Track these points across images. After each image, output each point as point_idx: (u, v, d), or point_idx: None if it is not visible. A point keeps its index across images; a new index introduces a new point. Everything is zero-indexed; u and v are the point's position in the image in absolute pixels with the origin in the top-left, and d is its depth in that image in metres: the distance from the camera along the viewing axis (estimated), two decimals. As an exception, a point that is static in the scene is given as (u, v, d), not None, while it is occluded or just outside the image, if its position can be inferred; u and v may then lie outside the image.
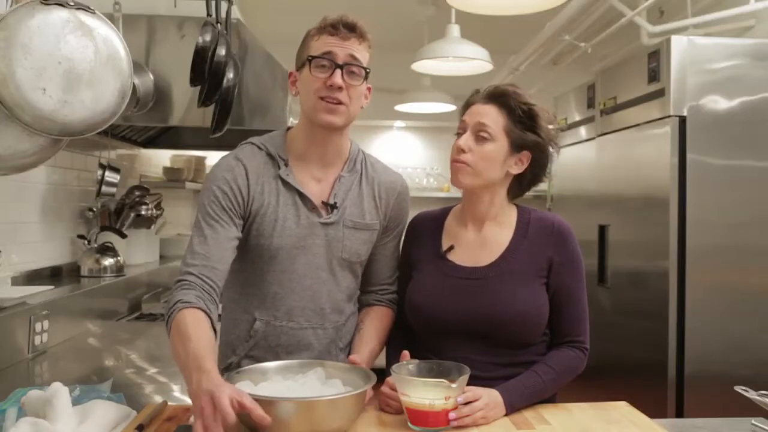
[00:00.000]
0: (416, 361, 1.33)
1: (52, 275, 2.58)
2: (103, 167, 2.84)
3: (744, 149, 2.46)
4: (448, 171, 1.49)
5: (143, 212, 3.13)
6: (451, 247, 1.49)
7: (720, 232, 2.44)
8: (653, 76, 2.55)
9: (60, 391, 1.19)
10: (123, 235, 2.95)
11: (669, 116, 2.46)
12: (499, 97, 1.44)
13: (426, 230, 1.55)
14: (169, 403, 1.38)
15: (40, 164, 1.73)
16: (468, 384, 1.28)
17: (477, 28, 3.53)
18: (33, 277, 2.39)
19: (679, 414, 2.40)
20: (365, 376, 1.26)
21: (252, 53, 2.45)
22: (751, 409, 1.39)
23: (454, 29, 3.36)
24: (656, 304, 2.51)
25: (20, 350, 1.94)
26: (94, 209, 2.89)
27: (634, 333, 2.70)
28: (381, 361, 1.53)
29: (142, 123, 2.71)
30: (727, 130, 2.46)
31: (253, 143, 1.51)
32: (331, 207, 1.46)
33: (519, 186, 1.50)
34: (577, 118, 3.37)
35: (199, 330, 1.24)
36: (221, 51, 2.14)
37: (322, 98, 1.40)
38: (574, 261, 1.46)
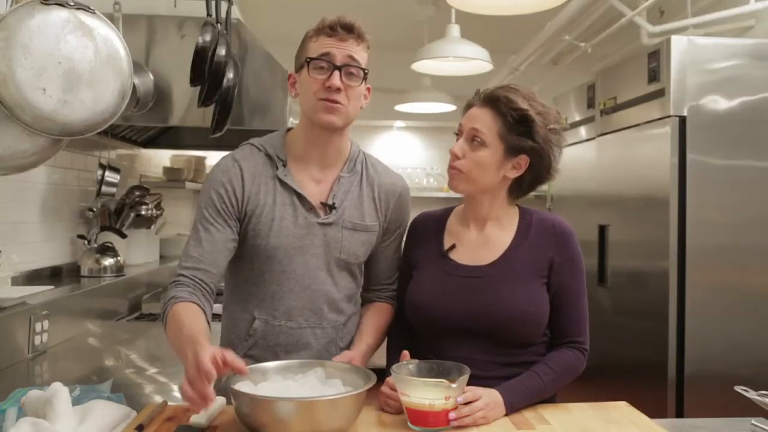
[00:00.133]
0: (416, 361, 1.33)
1: (52, 275, 2.57)
2: (103, 167, 2.84)
3: (744, 149, 2.46)
4: (447, 171, 1.49)
5: (143, 212, 3.13)
6: (453, 246, 1.49)
7: (720, 232, 2.44)
8: (653, 76, 2.56)
9: (60, 391, 1.19)
10: (123, 235, 2.95)
11: (669, 116, 2.46)
12: (493, 101, 1.42)
13: (428, 230, 1.55)
14: (169, 403, 1.38)
15: (40, 164, 1.73)
16: (468, 384, 1.28)
17: (477, 28, 3.53)
18: (33, 277, 2.39)
19: (679, 414, 2.40)
20: (365, 376, 1.26)
21: (252, 53, 2.45)
22: (751, 409, 1.39)
23: (454, 29, 3.36)
24: (656, 304, 2.51)
25: (20, 350, 1.94)
26: (94, 209, 2.89)
27: (634, 333, 2.70)
28: (381, 360, 1.53)
29: (142, 123, 2.71)
30: (727, 130, 2.46)
31: (252, 144, 1.52)
32: (329, 207, 1.46)
33: (520, 188, 1.48)
34: (577, 118, 3.37)
35: (192, 318, 1.29)
36: (221, 51, 2.14)
37: (320, 99, 1.40)
38: (575, 262, 1.46)
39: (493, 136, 1.41)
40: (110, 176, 2.87)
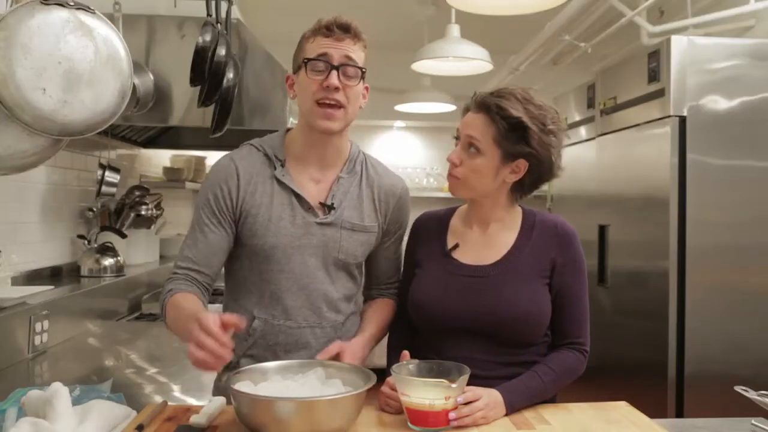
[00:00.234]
0: (416, 361, 1.33)
1: (52, 275, 2.58)
2: (103, 167, 2.84)
3: (744, 149, 2.46)
4: (447, 171, 1.49)
5: (143, 212, 3.13)
6: (456, 245, 1.49)
7: (720, 232, 2.44)
8: (653, 76, 2.56)
9: (60, 391, 1.19)
10: (123, 235, 2.95)
11: (669, 116, 2.46)
12: (486, 108, 1.40)
13: (431, 229, 1.55)
14: (169, 403, 1.38)
15: (40, 164, 1.73)
16: (468, 383, 1.28)
17: (477, 28, 3.53)
18: (33, 277, 2.39)
19: (679, 414, 2.40)
20: (365, 376, 1.26)
21: (252, 53, 2.45)
22: (751, 409, 1.39)
23: (454, 29, 3.36)
24: (656, 304, 2.51)
25: (20, 350, 1.94)
26: (94, 209, 2.89)
27: (634, 333, 2.70)
28: (381, 360, 1.53)
29: (142, 123, 2.71)
30: (727, 130, 2.46)
31: (251, 144, 1.53)
32: (328, 208, 1.47)
33: (521, 189, 1.48)
34: (577, 118, 3.37)
35: (191, 302, 1.36)
36: (221, 51, 2.14)
37: (319, 103, 1.40)
38: (577, 263, 1.46)
39: (488, 143, 1.40)
40: (110, 176, 2.88)
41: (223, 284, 1.56)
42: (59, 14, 1.57)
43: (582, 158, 3.22)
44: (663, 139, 2.49)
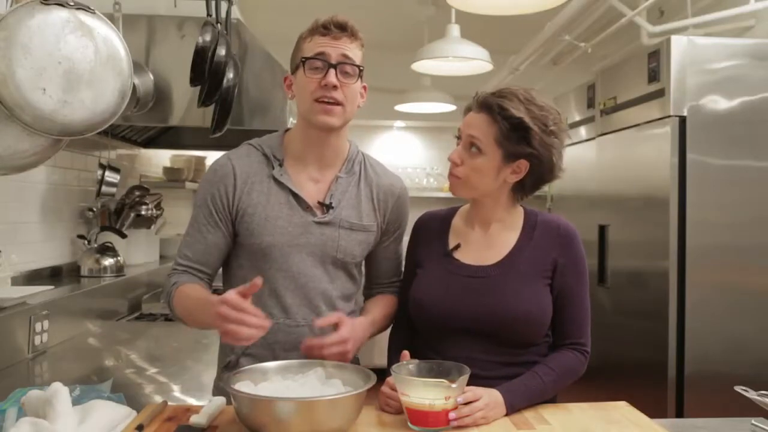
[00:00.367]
0: (416, 361, 1.33)
1: (52, 275, 2.58)
2: (103, 167, 2.84)
3: (744, 149, 2.46)
4: (447, 171, 1.49)
5: (143, 212, 3.13)
6: (457, 246, 1.49)
7: (720, 232, 2.44)
8: (653, 76, 2.56)
9: (60, 391, 1.19)
10: (123, 235, 2.95)
11: (669, 116, 2.46)
12: (488, 108, 1.40)
13: (432, 229, 1.55)
14: (169, 403, 1.38)
15: (40, 164, 1.73)
16: (469, 383, 1.28)
17: (477, 28, 3.53)
18: (33, 277, 2.39)
19: (679, 414, 2.40)
20: (365, 376, 1.26)
21: (252, 53, 2.45)
22: (751, 409, 1.39)
23: (454, 29, 3.36)
24: (656, 304, 2.51)
25: (20, 350, 1.94)
26: (94, 209, 2.89)
27: (634, 333, 2.70)
28: (381, 360, 1.53)
29: (142, 123, 2.71)
30: (727, 130, 2.46)
31: (250, 144, 1.54)
32: (326, 207, 1.47)
33: (523, 189, 1.48)
34: (577, 118, 3.37)
35: (200, 291, 1.41)
36: (221, 51, 2.14)
37: (317, 100, 1.41)
38: (578, 264, 1.46)
39: (489, 143, 1.40)
40: (110, 176, 2.88)
41: (221, 284, 1.56)
42: (59, 14, 1.57)
43: (582, 158, 3.22)
44: (663, 139, 2.49)
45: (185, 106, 2.38)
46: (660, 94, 2.51)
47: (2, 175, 1.79)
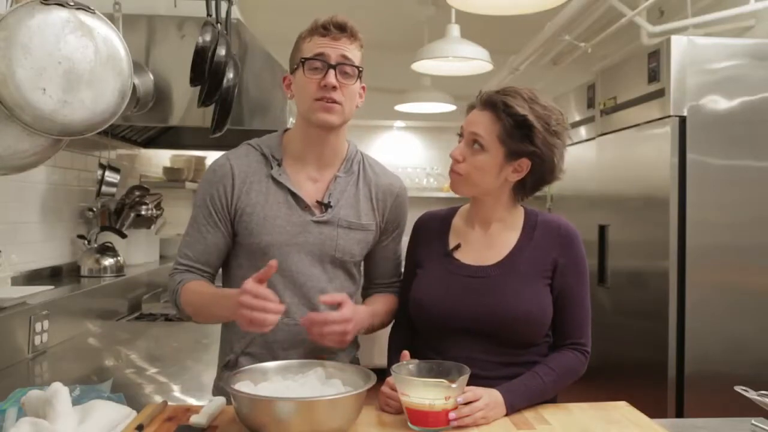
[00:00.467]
0: (416, 361, 1.33)
1: (52, 275, 2.58)
2: (103, 167, 2.84)
3: (744, 149, 2.46)
4: (447, 171, 1.49)
5: (143, 212, 3.13)
6: (458, 246, 1.49)
7: (720, 232, 2.44)
8: (653, 76, 2.56)
9: (60, 391, 1.19)
10: (123, 235, 2.95)
11: (669, 116, 2.46)
12: (493, 105, 1.40)
13: (432, 229, 1.55)
14: (169, 403, 1.38)
15: (40, 164, 1.73)
16: (469, 383, 1.28)
17: (477, 28, 3.53)
18: (33, 277, 2.39)
19: (679, 414, 2.40)
20: (365, 376, 1.26)
21: (252, 53, 2.45)
22: (751, 409, 1.39)
23: (454, 29, 3.36)
24: (656, 304, 2.51)
25: (20, 350, 1.94)
26: (94, 209, 2.89)
27: (634, 333, 2.70)
28: (381, 360, 1.53)
29: (142, 123, 2.71)
30: (727, 130, 2.46)
31: (249, 144, 1.54)
32: (325, 206, 1.47)
33: (523, 189, 1.48)
34: (577, 118, 3.37)
35: (209, 287, 1.46)
36: (221, 51, 2.14)
37: (317, 99, 1.41)
38: (579, 264, 1.46)
39: (492, 140, 1.40)
40: (110, 176, 2.88)
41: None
42: (59, 14, 1.57)
43: (582, 158, 3.22)
44: (663, 139, 2.49)
45: (185, 106, 2.38)
46: (660, 94, 2.51)
47: (2, 175, 1.79)
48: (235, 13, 2.41)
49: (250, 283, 1.25)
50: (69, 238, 2.76)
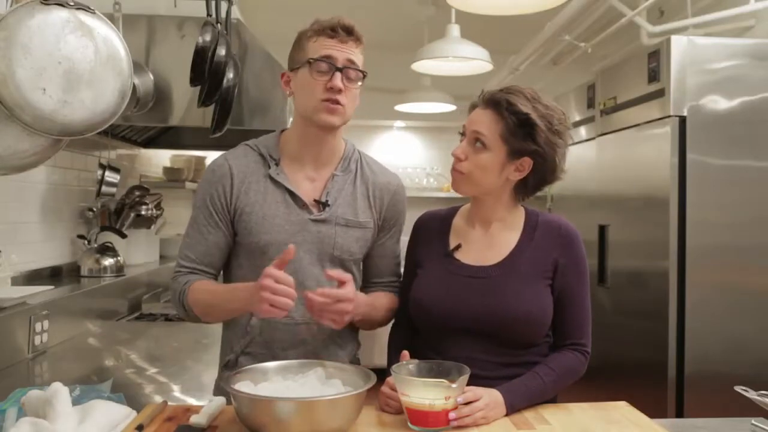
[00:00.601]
0: (416, 361, 1.33)
1: (52, 275, 2.58)
2: (103, 167, 2.84)
3: (744, 149, 2.46)
4: (448, 171, 1.49)
5: (143, 212, 3.13)
6: (458, 246, 1.49)
7: (720, 232, 2.44)
8: (653, 76, 2.56)
9: (60, 391, 1.19)
10: (123, 235, 2.95)
11: (669, 116, 2.46)
12: (495, 104, 1.41)
13: (433, 229, 1.55)
14: (169, 403, 1.38)
15: (40, 164, 1.73)
16: (469, 383, 1.28)
17: (477, 28, 3.53)
18: (33, 277, 2.39)
19: (679, 414, 2.40)
20: (365, 376, 1.26)
21: (252, 53, 2.45)
22: (751, 409, 1.39)
23: (454, 29, 3.36)
24: (656, 304, 2.51)
25: (20, 350, 1.94)
26: (94, 209, 2.89)
27: (634, 333, 2.70)
28: (381, 360, 1.53)
29: (142, 123, 2.71)
30: (727, 130, 2.46)
31: (247, 144, 1.55)
32: (323, 205, 1.48)
33: (524, 189, 1.48)
34: (577, 118, 3.37)
35: (216, 284, 1.48)
36: (221, 51, 2.14)
37: (323, 100, 1.42)
38: (579, 264, 1.46)
39: (495, 139, 1.40)
40: (110, 176, 2.88)
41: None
42: (59, 14, 1.57)
43: (582, 158, 3.22)
44: (663, 139, 2.49)
45: (185, 106, 2.38)
46: (660, 94, 2.51)
47: (2, 175, 1.79)
48: (235, 13, 2.41)
49: (270, 269, 1.27)
50: (69, 238, 2.76)
